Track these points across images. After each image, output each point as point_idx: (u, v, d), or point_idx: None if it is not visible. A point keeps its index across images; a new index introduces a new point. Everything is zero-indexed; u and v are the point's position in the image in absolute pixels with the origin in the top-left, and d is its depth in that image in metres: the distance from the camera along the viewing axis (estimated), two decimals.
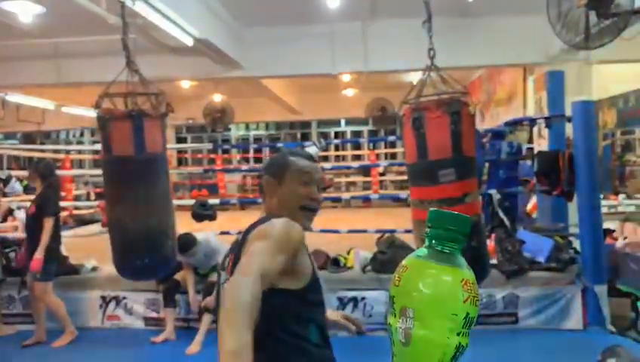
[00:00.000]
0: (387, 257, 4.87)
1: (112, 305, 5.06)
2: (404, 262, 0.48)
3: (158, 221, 3.78)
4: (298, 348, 1.32)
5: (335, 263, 5.10)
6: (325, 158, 13.96)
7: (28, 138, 15.62)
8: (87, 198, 11.35)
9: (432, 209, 0.47)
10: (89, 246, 5.97)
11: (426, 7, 3.80)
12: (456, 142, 3.52)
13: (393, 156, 13.54)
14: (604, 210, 5.42)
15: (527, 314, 4.76)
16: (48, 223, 4.41)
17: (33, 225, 4.50)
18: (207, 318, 4.49)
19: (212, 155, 14.71)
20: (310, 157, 1.50)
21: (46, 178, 4.59)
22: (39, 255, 4.35)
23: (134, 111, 3.65)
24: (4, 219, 7.03)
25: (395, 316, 0.47)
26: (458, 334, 0.46)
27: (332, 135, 15.90)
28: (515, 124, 5.94)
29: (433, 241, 0.47)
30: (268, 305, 1.26)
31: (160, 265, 3.91)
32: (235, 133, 16.53)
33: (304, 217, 1.43)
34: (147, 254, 3.73)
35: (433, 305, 0.45)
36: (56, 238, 4.59)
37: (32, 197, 7.67)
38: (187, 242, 4.67)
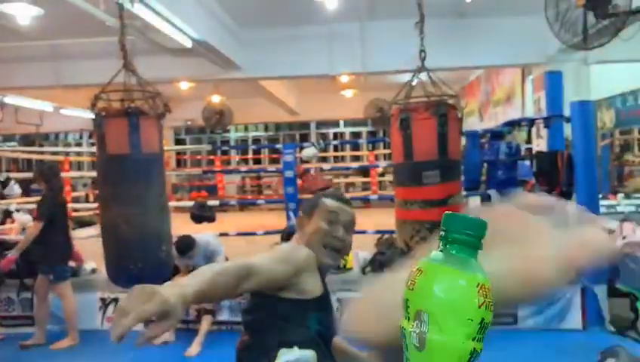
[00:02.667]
0: (386, 258, 4.87)
1: (111, 306, 5.05)
2: (418, 266, 0.48)
3: (154, 224, 3.65)
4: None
5: None
6: (324, 159, 13.96)
7: (26, 140, 15.58)
8: (86, 200, 11.32)
9: (446, 212, 0.47)
10: (88, 248, 5.95)
11: (419, 8, 3.82)
12: (442, 144, 3.54)
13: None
14: (602, 209, 5.43)
15: (526, 314, 4.76)
16: (34, 226, 4.42)
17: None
18: (206, 320, 4.49)
19: (211, 157, 14.70)
20: (346, 201, 1.56)
21: (49, 180, 4.59)
22: (12, 255, 4.39)
23: (131, 109, 3.55)
24: (3, 222, 7.02)
25: (408, 320, 0.47)
26: (473, 339, 0.46)
27: (331, 136, 15.88)
28: (513, 124, 5.95)
29: (448, 245, 0.47)
30: (275, 311, 1.36)
31: (155, 271, 3.71)
32: (234, 134, 16.52)
33: (325, 254, 1.47)
34: (141, 259, 3.57)
35: (449, 310, 0.45)
36: (64, 238, 4.58)
37: (30, 199, 7.71)
38: (186, 244, 4.66)
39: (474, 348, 0.46)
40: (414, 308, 0.46)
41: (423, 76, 3.86)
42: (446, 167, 3.58)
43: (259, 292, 1.35)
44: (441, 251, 0.47)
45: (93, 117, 3.62)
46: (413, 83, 4.00)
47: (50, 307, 4.70)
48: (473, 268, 0.46)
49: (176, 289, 0.96)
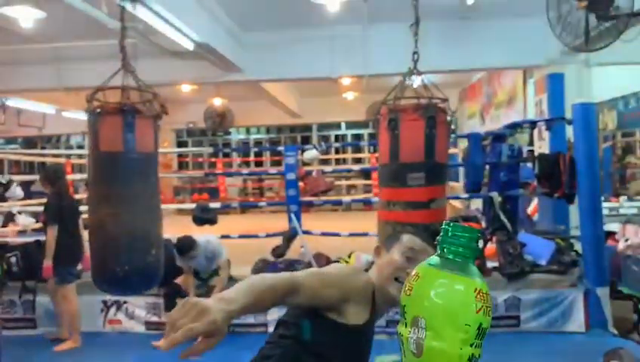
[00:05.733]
0: None
1: (113, 309, 5.05)
2: (415, 271, 0.47)
3: (144, 226, 3.51)
4: None
5: None
6: (326, 161, 13.96)
7: (29, 143, 15.61)
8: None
9: (445, 220, 0.47)
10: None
11: (415, 10, 3.82)
12: (429, 146, 3.51)
13: None
14: (605, 212, 5.41)
15: (528, 316, 4.75)
16: (50, 231, 4.42)
17: (45, 233, 4.54)
18: None
19: (213, 159, 14.71)
20: (431, 242, 1.47)
21: (55, 183, 4.60)
22: (47, 263, 4.39)
23: (126, 107, 3.46)
24: (6, 224, 7.03)
25: (405, 326, 0.46)
26: (471, 345, 0.45)
27: (332, 138, 15.88)
28: (515, 126, 5.94)
29: (445, 250, 0.46)
30: (313, 330, 1.34)
31: (142, 275, 3.54)
32: (236, 136, 16.53)
33: (394, 286, 1.41)
34: (128, 262, 3.40)
35: (446, 316, 0.44)
36: (70, 240, 4.57)
37: (32, 201, 7.72)
38: (186, 244, 4.66)
39: (472, 354, 0.45)
40: (411, 313, 0.45)
41: (419, 79, 3.85)
42: (432, 170, 3.54)
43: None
44: (438, 256, 0.45)
45: (88, 114, 3.54)
46: (414, 85, 3.99)
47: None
48: (471, 272, 0.45)
49: (224, 306, 0.98)
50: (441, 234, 0.46)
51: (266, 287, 1.12)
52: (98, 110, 3.52)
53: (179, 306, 0.93)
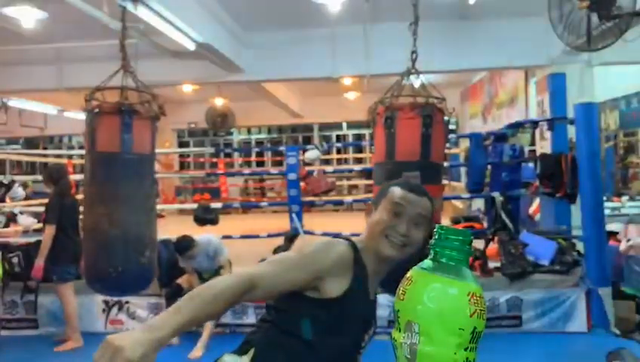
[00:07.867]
0: None
1: (114, 309, 5.06)
2: (408, 275, 0.46)
3: (139, 227, 3.51)
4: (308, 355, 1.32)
5: None
6: (327, 161, 13.95)
7: (31, 143, 15.64)
8: None
9: (438, 224, 0.46)
10: None
11: (414, 9, 3.81)
12: (425, 146, 3.49)
13: None
14: (607, 212, 5.40)
15: (530, 316, 4.74)
16: (47, 230, 4.43)
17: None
18: (210, 323, 4.48)
19: (214, 159, 14.71)
20: (419, 192, 1.41)
21: (58, 182, 4.61)
22: (38, 263, 4.39)
23: (124, 106, 3.46)
24: (7, 225, 7.04)
25: (399, 331, 0.45)
26: (465, 349, 0.44)
27: (334, 138, 15.87)
28: (517, 126, 5.93)
29: (438, 254, 0.45)
30: (290, 308, 1.31)
31: (134, 277, 3.53)
32: (237, 137, 16.54)
33: (386, 244, 1.35)
34: (122, 263, 3.40)
35: (439, 320, 0.43)
36: (69, 239, 4.56)
37: (33, 201, 7.73)
38: (185, 243, 4.66)
39: (467, 358, 0.44)
40: (405, 318, 0.44)
41: (418, 78, 3.84)
42: (427, 170, 3.51)
43: None
44: (431, 259, 0.45)
45: (86, 113, 3.55)
46: (416, 85, 3.98)
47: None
48: (464, 276, 0.44)
49: (148, 337, 0.96)
50: (434, 237, 0.45)
51: (209, 298, 1.08)
52: (96, 110, 3.52)
53: (100, 346, 0.93)
